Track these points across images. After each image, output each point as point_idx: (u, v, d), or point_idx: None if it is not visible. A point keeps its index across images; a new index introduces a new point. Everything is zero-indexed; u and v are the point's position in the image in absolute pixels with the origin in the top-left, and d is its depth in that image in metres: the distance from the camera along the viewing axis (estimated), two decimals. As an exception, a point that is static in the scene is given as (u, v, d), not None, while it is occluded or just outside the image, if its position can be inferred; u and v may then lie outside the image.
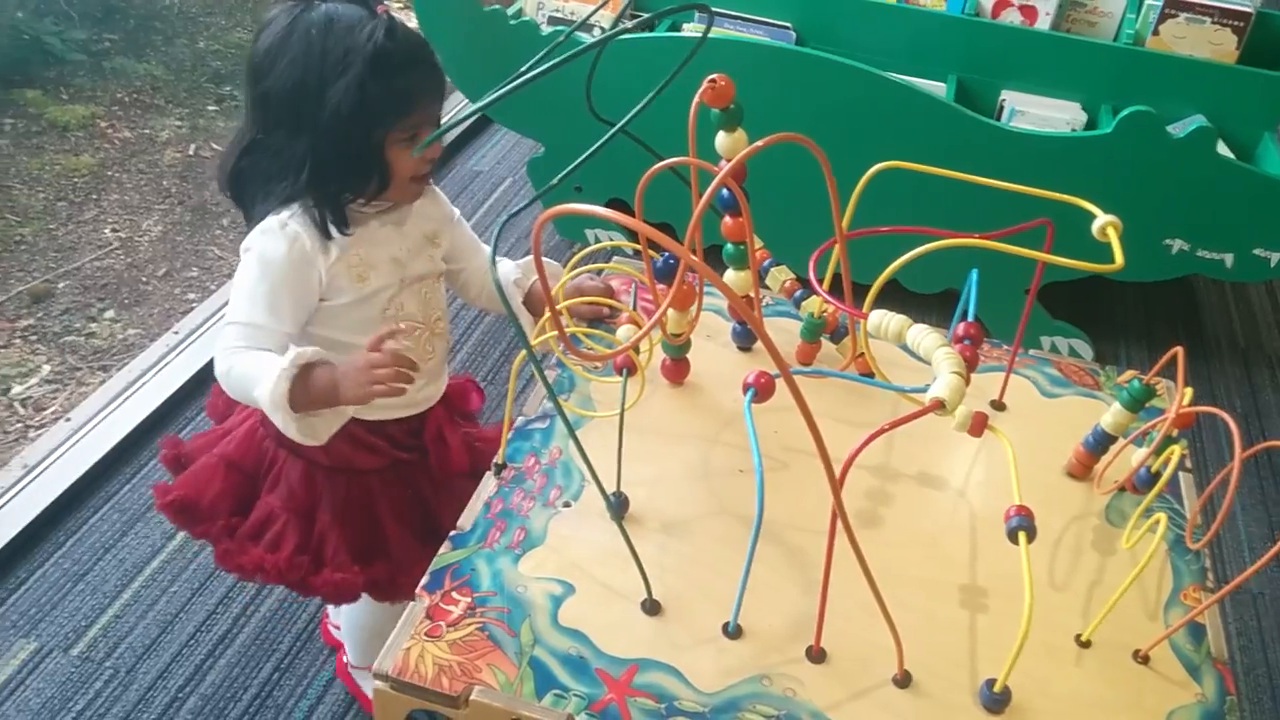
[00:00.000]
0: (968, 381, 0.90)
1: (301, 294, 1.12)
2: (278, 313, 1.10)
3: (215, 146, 3.16)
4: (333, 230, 1.11)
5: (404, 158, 1.12)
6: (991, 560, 0.96)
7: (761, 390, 0.87)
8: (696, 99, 1.02)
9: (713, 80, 0.99)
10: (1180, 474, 1.08)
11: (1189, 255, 2.22)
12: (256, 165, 1.12)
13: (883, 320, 0.85)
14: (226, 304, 1.14)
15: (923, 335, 0.81)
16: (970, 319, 0.96)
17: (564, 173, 0.91)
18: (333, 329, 1.17)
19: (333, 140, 1.08)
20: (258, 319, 1.10)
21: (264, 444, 1.26)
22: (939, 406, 0.75)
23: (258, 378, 1.06)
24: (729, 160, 1.08)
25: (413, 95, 1.10)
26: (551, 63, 0.83)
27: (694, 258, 0.55)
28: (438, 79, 1.13)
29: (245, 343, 1.09)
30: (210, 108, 3.34)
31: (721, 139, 1.07)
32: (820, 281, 1.10)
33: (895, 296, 2.35)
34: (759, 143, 0.81)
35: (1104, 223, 0.92)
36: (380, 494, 1.25)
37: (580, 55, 0.85)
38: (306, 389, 1.06)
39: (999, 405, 1.15)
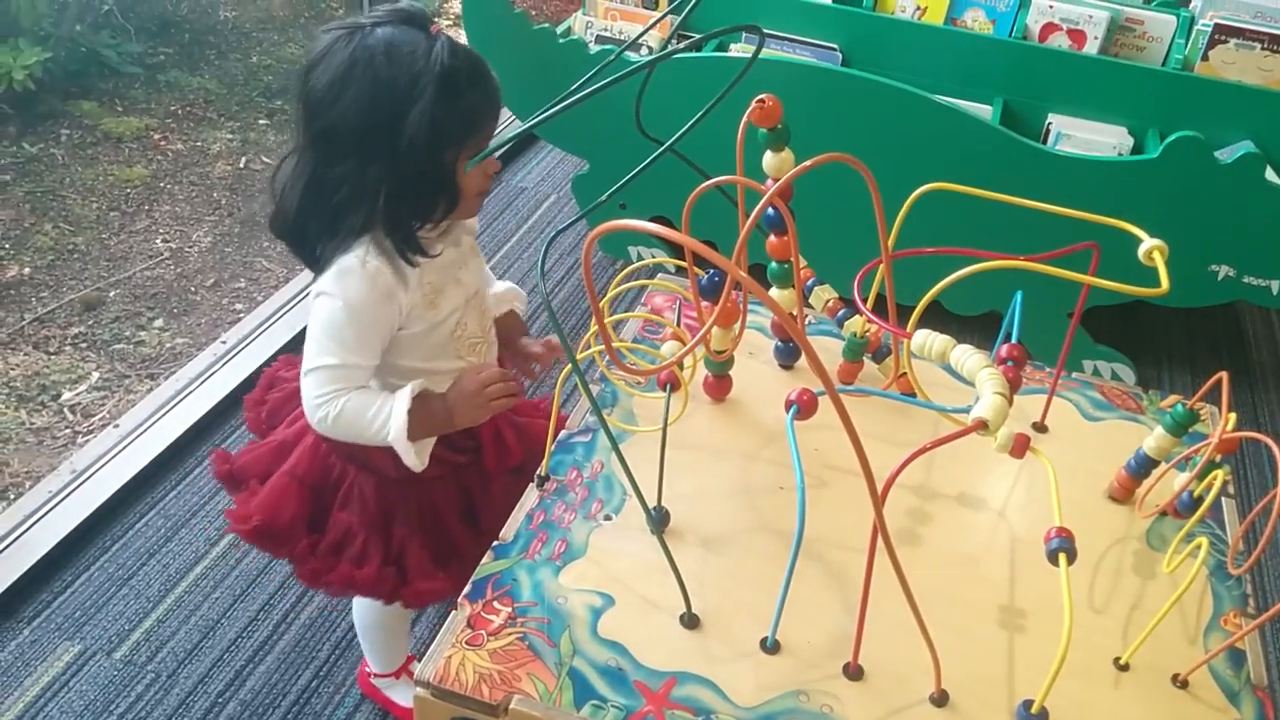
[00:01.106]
0: (1010, 402, 0.91)
1: (386, 330, 1.15)
2: (365, 350, 1.14)
3: (266, 160, 3.22)
4: (410, 260, 1.13)
5: (472, 176, 1.13)
6: (1031, 581, 0.96)
7: (804, 408, 0.89)
8: (745, 118, 1.04)
9: (761, 100, 1.01)
10: (1223, 499, 1.07)
11: (1234, 281, 2.20)
12: (320, 201, 1.11)
13: (926, 340, 0.86)
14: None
15: (966, 356, 0.82)
16: (1014, 340, 0.97)
17: (612, 190, 0.94)
18: (406, 357, 1.20)
19: (409, 167, 1.08)
20: (350, 360, 1.12)
21: (329, 460, 1.27)
22: (981, 427, 0.76)
23: (375, 417, 1.13)
24: (776, 180, 1.09)
25: (480, 112, 1.11)
26: (602, 83, 0.85)
27: (742, 274, 0.57)
28: (497, 94, 1.14)
29: (342, 384, 1.13)
30: (261, 121, 3.41)
31: (769, 158, 1.08)
32: (865, 301, 1.12)
33: (937, 318, 2.34)
34: (807, 162, 0.83)
35: (1150, 246, 0.92)
36: (442, 499, 1.28)
37: (630, 76, 0.87)
38: (422, 420, 1.14)
39: (1041, 427, 1.15)
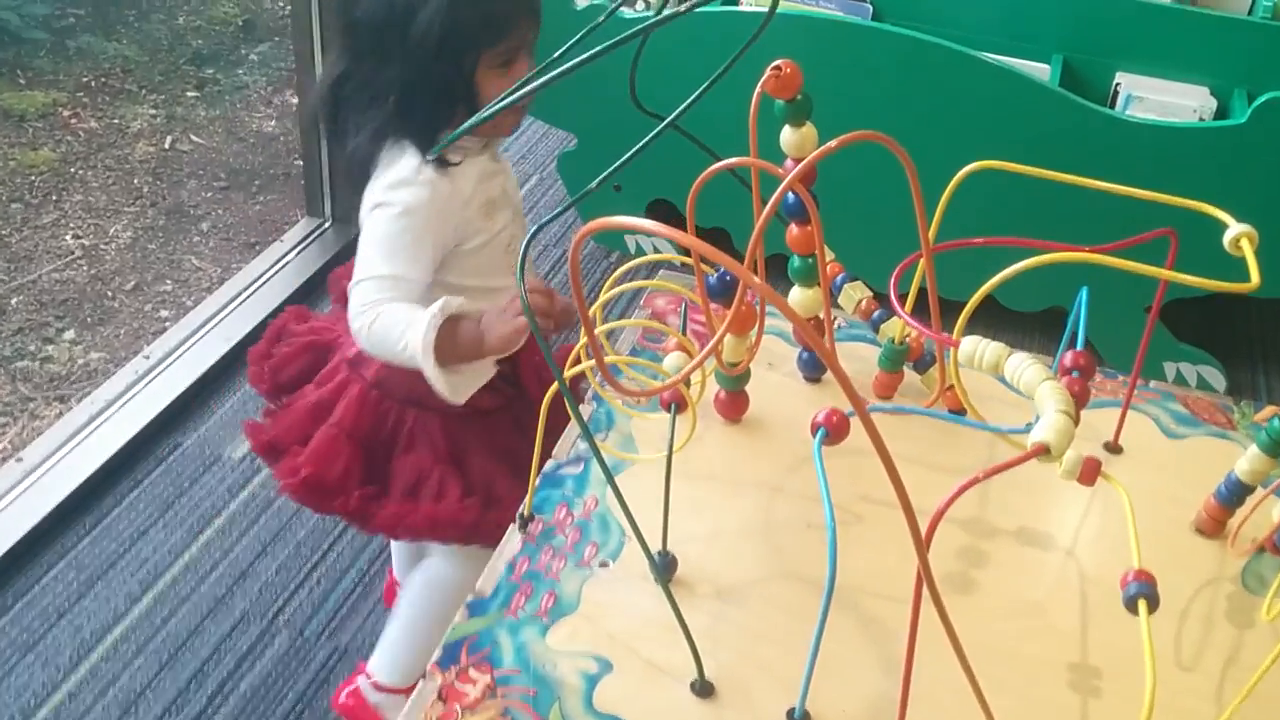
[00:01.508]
0: (1077, 421, 0.91)
1: (441, 241, 1.30)
2: (418, 263, 1.27)
3: (195, 139, 3.23)
4: (453, 167, 1.29)
5: (497, 85, 1.27)
6: (1105, 633, 0.95)
7: (834, 431, 0.88)
8: (758, 89, 1.03)
9: (777, 67, 1.01)
10: (1333, 531, 1.07)
11: (1341, 267, 2.19)
12: (349, 96, 1.29)
13: (976, 348, 0.86)
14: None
15: (1024, 367, 0.82)
16: (1079, 347, 0.97)
17: (604, 175, 0.93)
18: (460, 274, 1.34)
19: (421, 67, 1.23)
20: (399, 270, 1.25)
21: (381, 408, 1.40)
22: (1043, 452, 0.76)
23: (405, 327, 1.21)
24: (796, 160, 1.09)
25: (505, 18, 1.26)
26: (591, 52, 0.85)
27: (755, 279, 0.57)
28: (535, 6, 1.29)
29: (387, 294, 1.25)
30: (190, 93, 3.42)
31: (787, 135, 1.08)
32: (903, 301, 1.11)
33: (991, 315, 2.34)
34: (832, 143, 0.82)
35: (1237, 233, 0.92)
36: (510, 429, 1.42)
37: (623, 44, 0.86)
38: (453, 342, 1.22)
39: (1114, 448, 1.15)
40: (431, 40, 1.22)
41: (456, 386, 1.26)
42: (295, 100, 2.63)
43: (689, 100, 0.91)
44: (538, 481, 1.04)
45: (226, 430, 2.16)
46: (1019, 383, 0.82)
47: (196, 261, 2.80)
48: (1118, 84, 2.40)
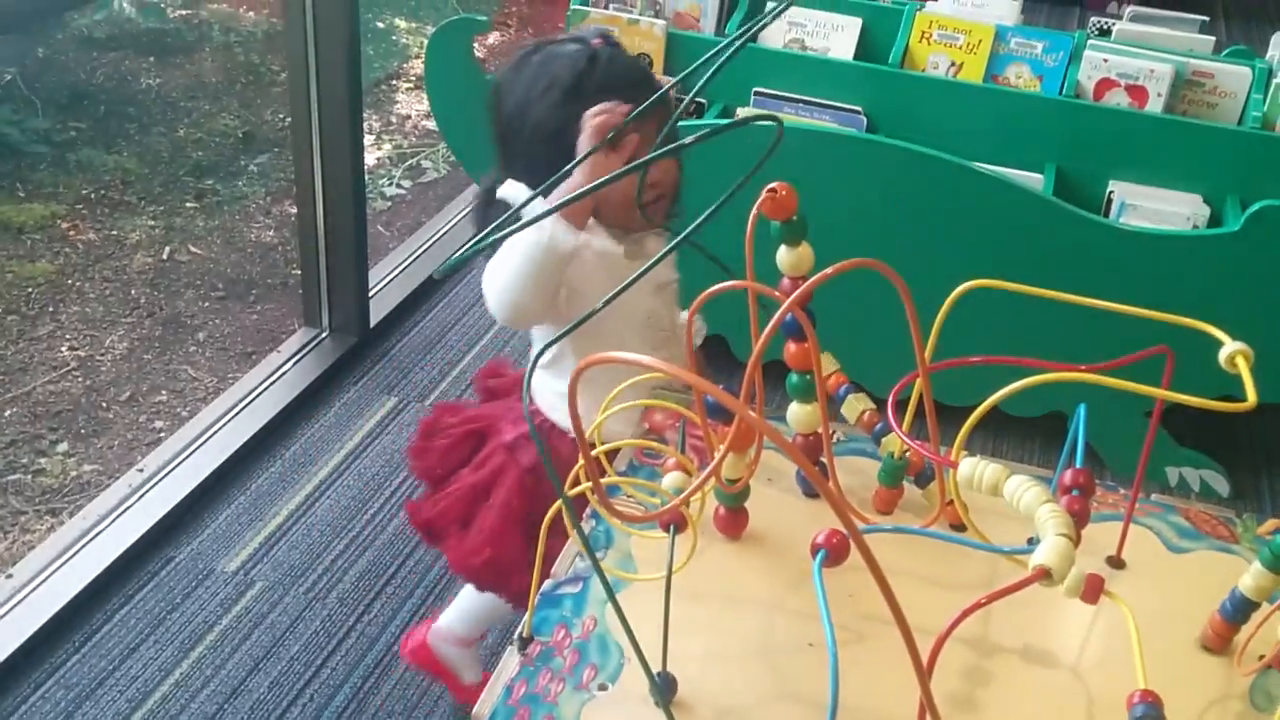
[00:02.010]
0: (1077, 542, 0.91)
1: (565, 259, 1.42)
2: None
3: (194, 249, 3.27)
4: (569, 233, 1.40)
5: (608, 168, 1.34)
6: (1114, 755, 0.95)
7: (834, 552, 0.89)
8: (754, 209, 1.06)
9: (773, 190, 1.03)
10: (1341, 647, 1.07)
11: (1340, 372, 2.21)
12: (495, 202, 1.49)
13: (975, 470, 0.87)
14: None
15: (1022, 489, 0.83)
16: (1079, 464, 0.98)
17: (606, 298, 0.95)
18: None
19: (537, 161, 1.39)
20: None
21: (539, 490, 1.49)
22: (1044, 576, 0.76)
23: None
24: (792, 279, 1.11)
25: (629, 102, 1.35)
26: (601, 180, 0.87)
27: (751, 414, 0.58)
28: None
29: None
30: (189, 204, 3.47)
31: (783, 254, 1.10)
32: (903, 416, 1.12)
33: (993, 421, 2.34)
34: (829, 270, 0.85)
35: (1233, 351, 0.94)
36: None
37: (623, 176, 0.89)
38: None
39: (1117, 562, 1.15)
40: (541, 136, 1.41)
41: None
42: (294, 210, 2.67)
43: (694, 224, 0.93)
44: (536, 601, 1.04)
45: (220, 543, 2.16)
46: (1018, 505, 0.83)
47: (193, 372, 2.82)
48: (1111, 192, 2.44)
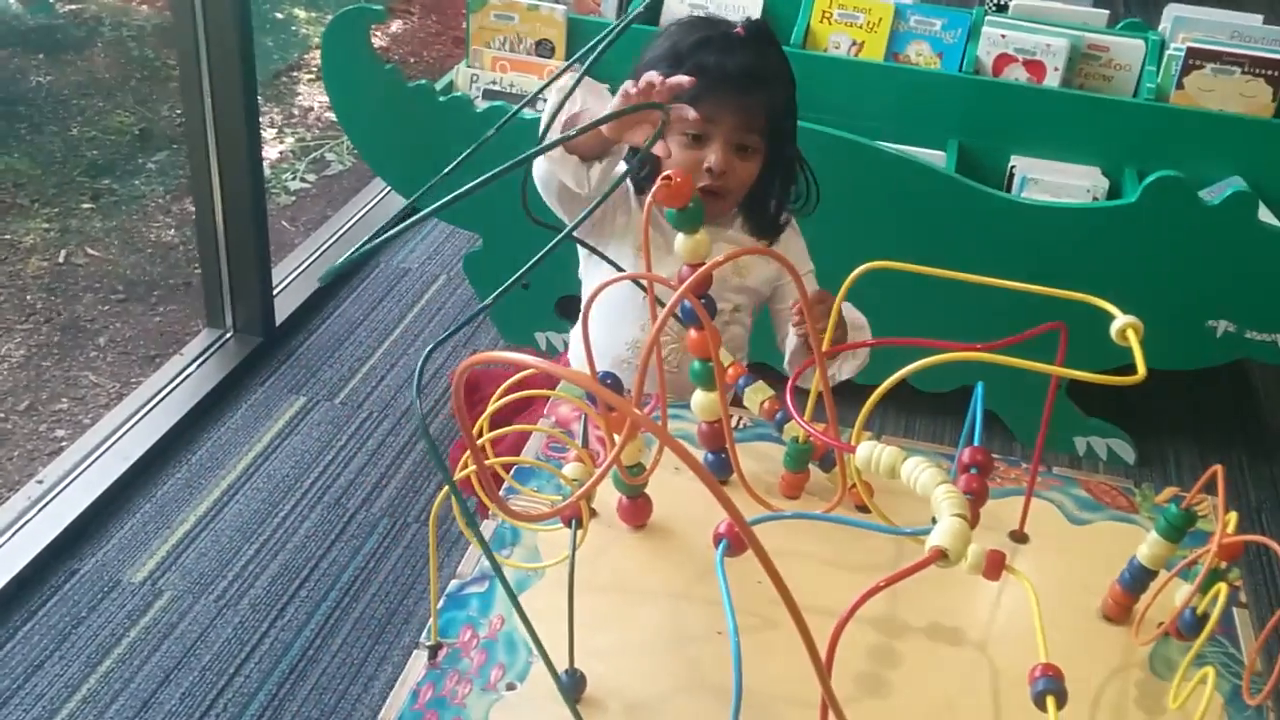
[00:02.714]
0: (975, 522, 0.92)
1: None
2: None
3: (91, 252, 3.19)
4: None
5: (678, 153, 1.41)
6: (1020, 728, 0.96)
7: (736, 541, 0.89)
8: (649, 197, 1.06)
9: (667, 177, 1.03)
10: (1235, 610, 1.10)
11: (1236, 338, 2.28)
12: None
13: (873, 453, 0.87)
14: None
15: (919, 470, 0.83)
16: (977, 442, 0.99)
17: (502, 288, 0.94)
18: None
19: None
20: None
21: None
22: (941, 557, 0.77)
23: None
24: (691, 266, 1.11)
25: (703, 95, 1.35)
26: (501, 169, 0.86)
27: (636, 410, 0.57)
28: (744, 98, 1.41)
29: None
30: (85, 205, 3.38)
31: (680, 242, 1.10)
32: (805, 401, 1.13)
33: (904, 398, 2.38)
34: (719, 259, 0.84)
35: (1123, 325, 0.95)
36: None
37: (520, 165, 0.88)
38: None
39: (1020, 537, 1.17)
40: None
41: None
42: (194, 208, 2.61)
43: (583, 214, 0.93)
44: (440, 604, 1.03)
45: (125, 553, 2.10)
46: (915, 486, 0.84)
47: (94, 378, 2.75)
48: (1013, 166, 2.47)
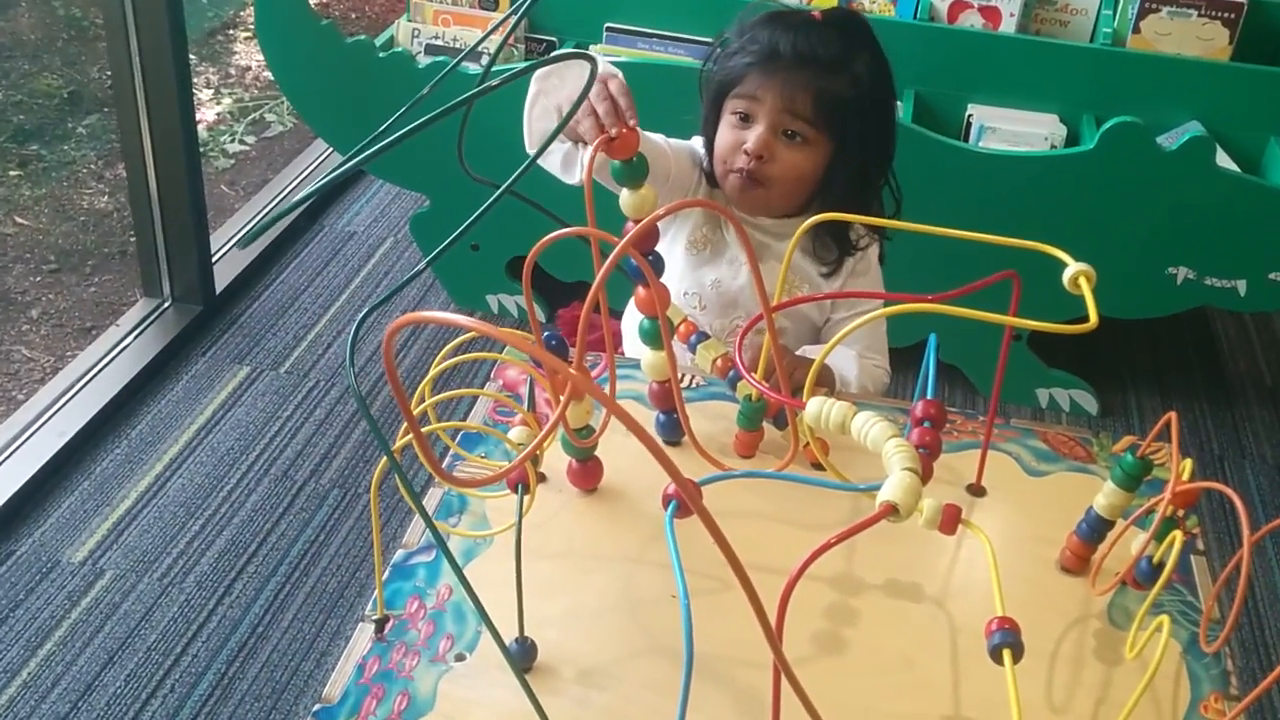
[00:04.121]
0: (927, 476, 0.93)
1: (674, 161, 1.41)
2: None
3: (20, 221, 3.13)
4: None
5: (724, 133, 1.40)
6: (978, 684, 0.97)
7: (685, 504, 0.89)
8: (592, 150, 1.05)
9: (609, 133, 1.02)
10: (1193, 558, 1.11)
11: (1196, 285, 2.30)
12: None
13: (822, 409, 0.87)
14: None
15: (869, 426, 0.84)
16: (930, 395, 0.99)
17: (440, 247, 0.93)
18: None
19: (705, 90, 1.43)
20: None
21: None
22: (892, 512, 0.77)
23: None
24: (636, 222, 1.10)
25: (749, 70, 1.36)
26: (432, 115, 0.84)
27: (572, 370, 0.57)
28: (791, 78, 1.35)
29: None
30: (12, 172, 3.31)
31: (625, 197, 1.09)
32: (756, 360, 1.13)
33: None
34: (660, 210, 0.84)
35: (1075, 272, 0.95)
36: None
37: (451, 112, 0.86)
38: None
39: (977, 489, 1.17)
40: (707, 81, 1.44)
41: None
42: (126, 174, 2.57)
43: (522, 167, 0.91)
44: (386, 575, 1.03)
45: (64, 533, 2.08)
46: (866, 441, 0.84)
47: (27, 352, 2.70)
48: (970, 115, 2.48)
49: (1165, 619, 0.90)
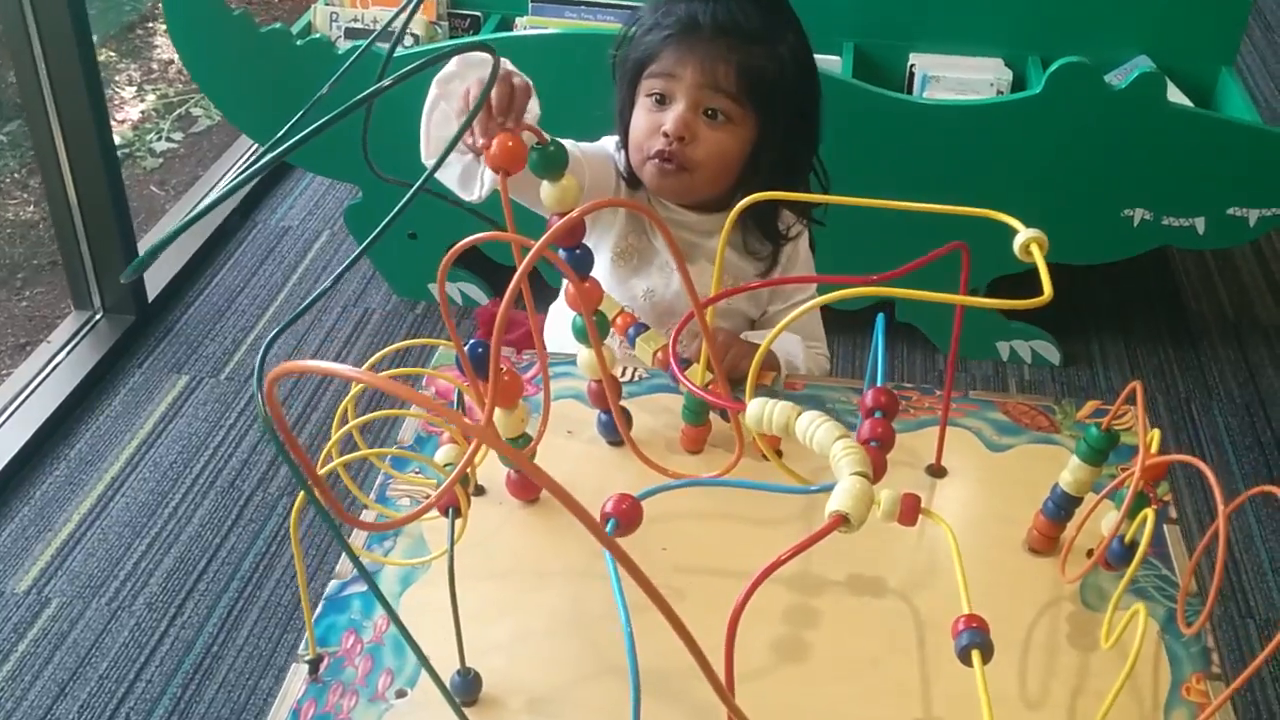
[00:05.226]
0: (880, 472, 0.88)
1: (588, 166, 1.30)
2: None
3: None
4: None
5: (640, 117, 1.31)
6: (950, 680, 0.93)
7: (625, 520, 0.84)
8: (495, 148, 0.99)
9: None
10: (1165, 527, 1.07)
11: (1154, 225, 2.26)
12: None
13: (764, 410, 0.82)
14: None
15: (814, 427, 0.78)
16: (880, 382, 0.94)
17: (345, 265, 0.87)
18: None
19: (618, 75, 1.36)
20: None
21: None
22: (843, 523, 0.72)
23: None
24: (559, 217, 1.05)
25: (665, 44, 1.28)
26: (340, 110, 0.78)
27: (470, 423, 0.51)
28: (710, 50, 1.27)
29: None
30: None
31: (546, 190, 1.04)
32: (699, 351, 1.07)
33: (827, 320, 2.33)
34: (574, 212, 0.78)
35: (1027, 239, 0.91)
36: None
37: (355, 108, 0.80)
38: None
39: (937, 470, 1.13)
40: (620, 56, 1.35)
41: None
42: (44, 184, 2.47)
43: (419, 183, 0.85)
44: (318, 610, 0.97)
45: (6, 562, 2.01)
46: (811, 444, 0.79)
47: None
48: (912, 65, 2.43)
49: (1141, 607, 0.86)
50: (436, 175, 0.91)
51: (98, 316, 2.50)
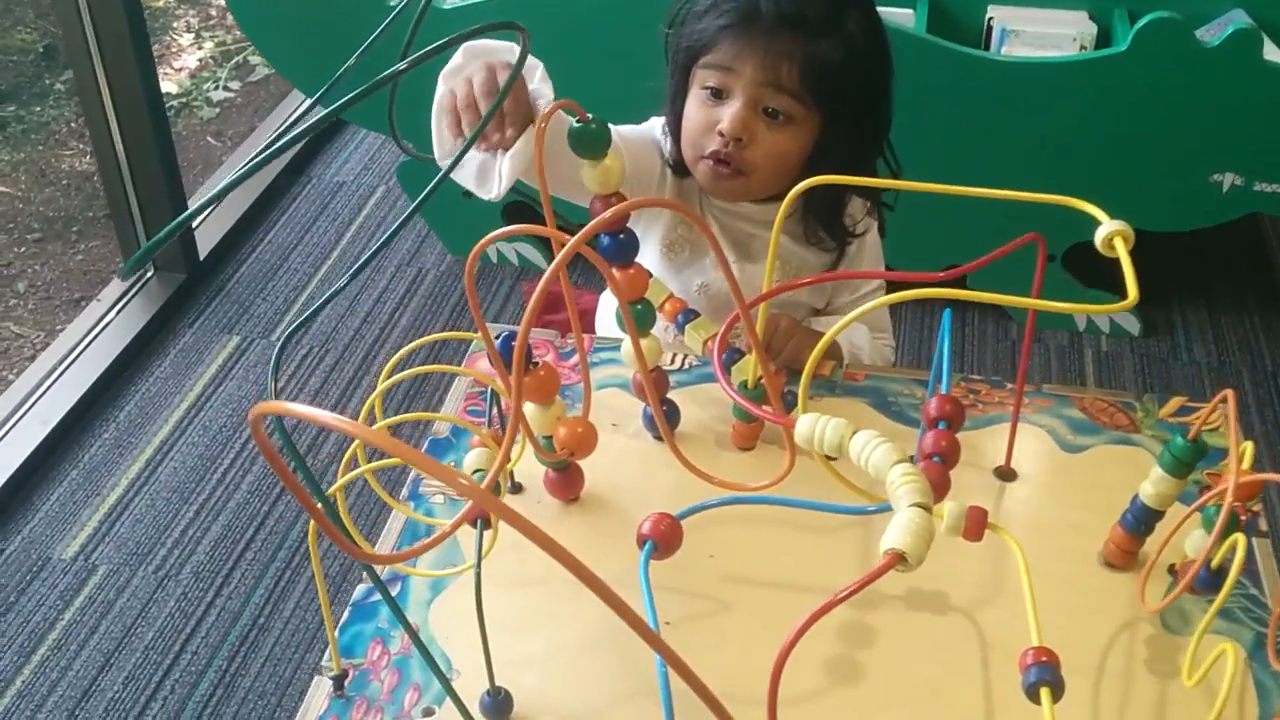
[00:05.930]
0: (944, 490, 0.82)
1: (630, 155, 1.16)
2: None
3: (-2, 189, 3.03)
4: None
5: (693, 110, 1.22)
6: (1015, 709, 0.87)
7: (663, 542, 0.78)
8: (539, 122, 0.93)
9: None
10: (1255, 541, 0.99)
11: (1244, 191, 2.15)
12: None
13: (815, 428, 0.76)
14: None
15: (870, 448, 0.72)
16: (945, 389, 0.87)
17: (376, 248, 0.82)
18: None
19: (670, 59, 1.26)
20: None
21: None
22: (900, 562, 0.66)
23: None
24: (601, 199, 0.99)
25: (722, 34, 1.18)
26: (404, 64, 0.72)
27: (478, 488, 0.46)
28: (772, 45, 1.16)
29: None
30: (-16, 136, 3.22)
31: (586, 173, 0.98)
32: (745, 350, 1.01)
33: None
34: (613, 210, 0.72)
35: (1110, 232, 0.83)
36: None
37: (397, 77, 0.75)
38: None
39: (1007, 473, 1.06)
40: (671, 47, 1.26)
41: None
42: (92, 140, 2.45)
43: (429, 187, 0.79)
44: (345, 617, 0.93)
45: (54, 527, 2.01)
46: (867, 467, 0.72)
47: (15, 328, 2.63)
48: (990, 19, 2.32)
49: (1230, 648, 0.79)
50: (454, 175, 0.85)
51: (149, 275, 2.49)
